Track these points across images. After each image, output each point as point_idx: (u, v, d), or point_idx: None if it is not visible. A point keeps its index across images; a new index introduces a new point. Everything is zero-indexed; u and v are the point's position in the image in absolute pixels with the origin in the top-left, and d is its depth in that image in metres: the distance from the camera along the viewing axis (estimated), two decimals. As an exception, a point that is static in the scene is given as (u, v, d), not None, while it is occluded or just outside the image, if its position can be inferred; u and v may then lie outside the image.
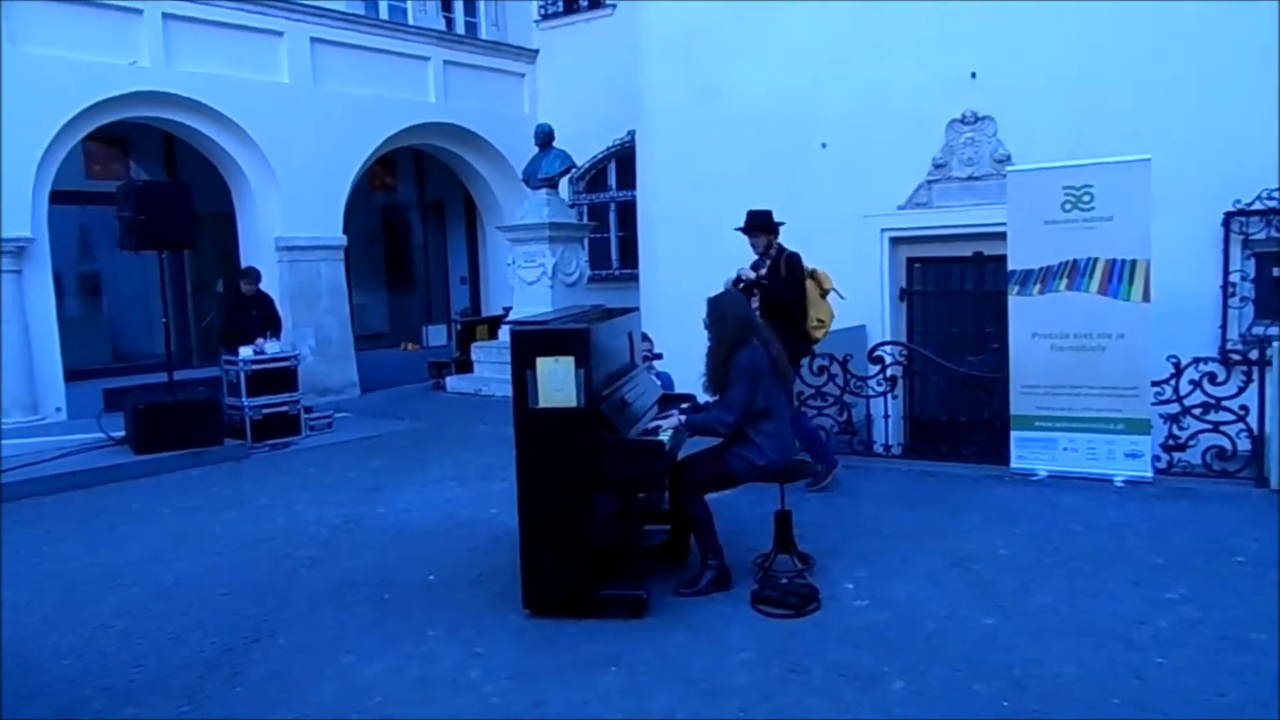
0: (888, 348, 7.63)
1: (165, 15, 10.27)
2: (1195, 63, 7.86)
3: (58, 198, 9.98)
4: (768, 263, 6.38)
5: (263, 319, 9.35)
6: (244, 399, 8.72)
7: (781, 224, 6.50)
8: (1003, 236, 6.90)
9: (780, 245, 6.44)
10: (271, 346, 9.14)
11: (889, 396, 7.49)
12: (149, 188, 8.63)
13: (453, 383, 12.21)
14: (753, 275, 6.31)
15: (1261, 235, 7.78)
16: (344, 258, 12.19)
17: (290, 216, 11.41)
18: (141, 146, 12.07)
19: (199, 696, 3.76)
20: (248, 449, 8.58)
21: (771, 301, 6.27)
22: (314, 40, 11.61)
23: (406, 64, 12.74)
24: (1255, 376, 6.11)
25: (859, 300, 9.24)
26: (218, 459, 8.23)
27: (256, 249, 11.49)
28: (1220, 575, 4.63)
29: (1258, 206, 7.71)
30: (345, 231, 12.09)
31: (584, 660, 3.93)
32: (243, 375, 8.74)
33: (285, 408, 8.99)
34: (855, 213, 9.25)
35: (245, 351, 8.89)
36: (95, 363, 11.49)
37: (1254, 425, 6.15)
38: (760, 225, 6.40)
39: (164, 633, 4.42)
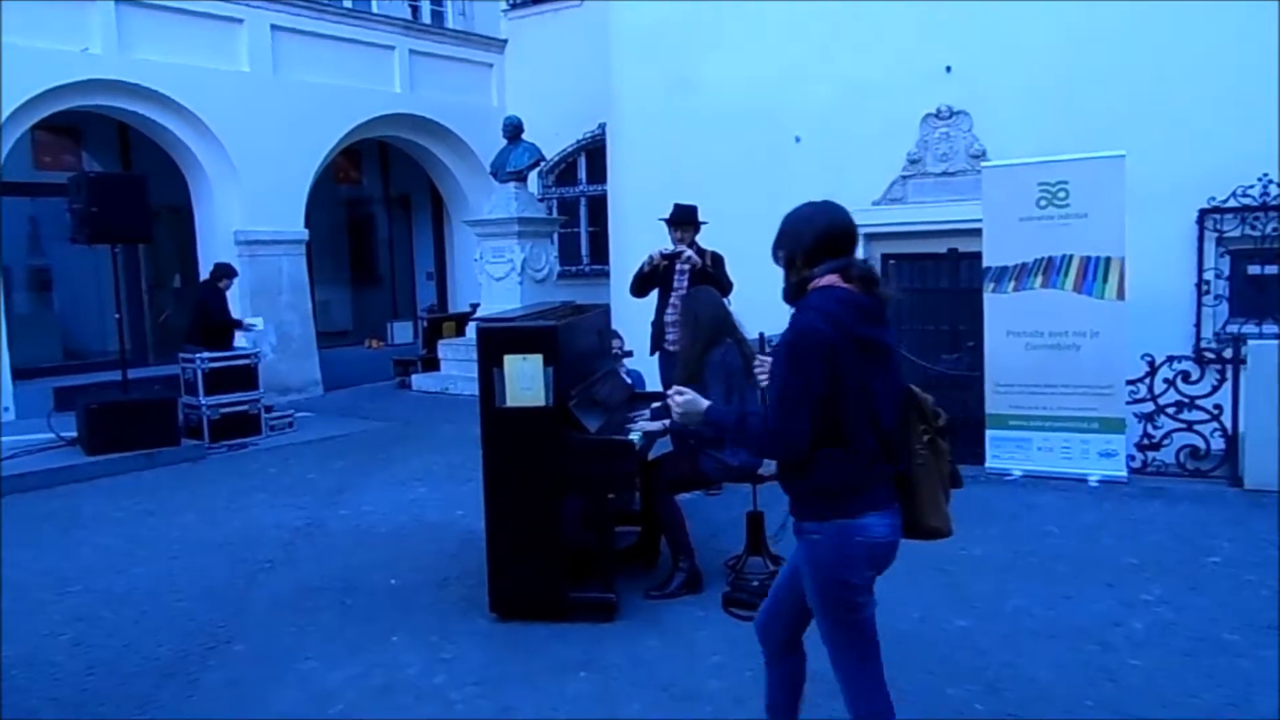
0: (862, 345, 7.56)
1: (119, 0, 9.99)
2: (1171, 60, 7.89)
3: (5, 189, 9.74)
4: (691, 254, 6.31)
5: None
6: (201, 398, 8.54)
7: (705, 223, 6.45)
8: (978, 233, 6.89)
9: (699, 244, 6.40)
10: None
11: (863, 395, 7.43)
12: (102, 179, 8.40)
13: (419, 381, 12.07)
14: (694, 256, 6.20)
15: (1236, 233, 7.83)
16: (306, 252, 11.97)
17: (250, 210, 11.18)
18: (94, 136, 11.76)
19: (153, 706, 3.69)
20: (205, 450, 8.40)
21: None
22: (274, 28, 11.36)
23: (371, 53, 12.53)
24: (1229, 375, 6.15)
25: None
26: (174, 460, 8.05)
27: (214, 243, 11.26)
28: (1194, 576, 4.65)
29: (1232, 204, 7.76)
30: (307, 225, 11.87)
31: (553, 665, 3.88)
32: (200, 373, 8.56)
33: (245, 407, 8.82)
34: (829, 209, 9.19)
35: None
36: (45, 361, 11.21)
37: (1228, 424, 6.19)
38: (688, 219, 6.37)
39: (117, 640, 4.33)
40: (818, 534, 2.54)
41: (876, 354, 2.53)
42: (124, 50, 10.07)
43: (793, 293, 2.60)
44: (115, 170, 11.46)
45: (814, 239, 2.57)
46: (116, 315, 8.69)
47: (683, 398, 2.67)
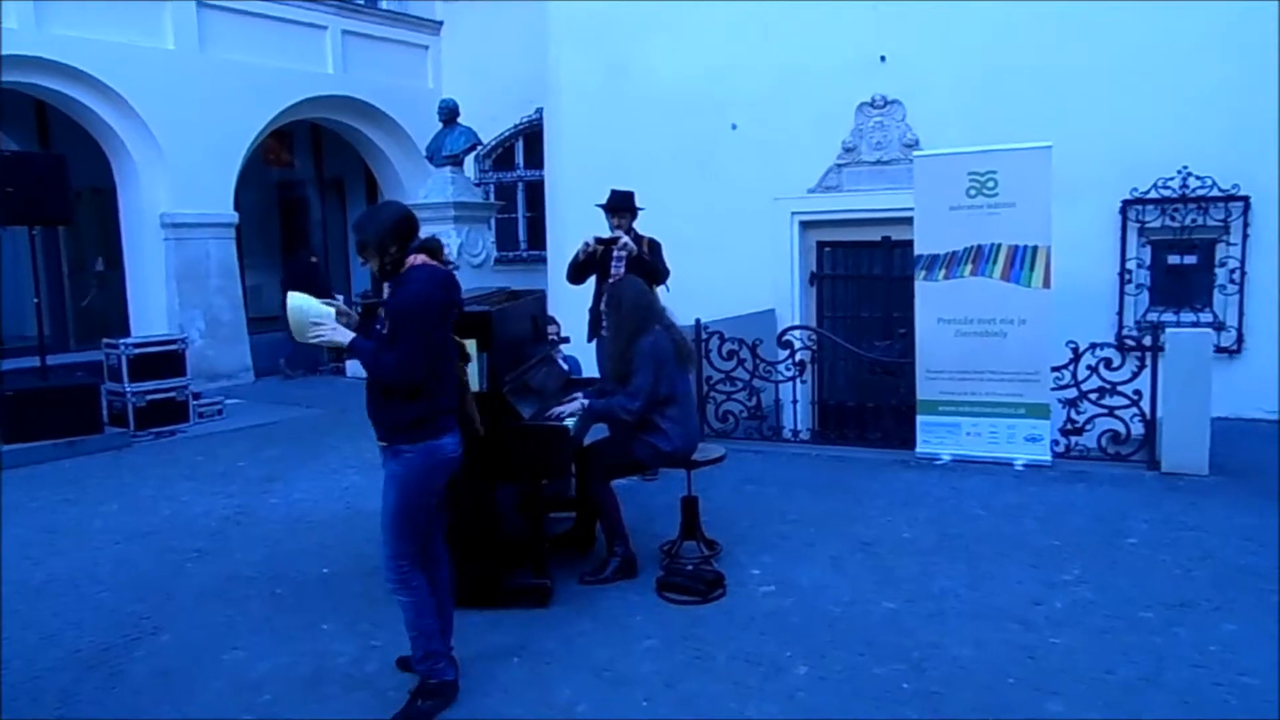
0: (797, 332, 7.67)
1: (36, -27, 9.61)
2: (1097, 54, 8.11)
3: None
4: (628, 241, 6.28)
5: None
6: (126, 384, 8.31)
7: (642, 209, 6.46)
8: (911, 221, 6.98)
9: (636, 230, 6.38)
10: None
11: (798, 381, 7.54)
12: (18, 158, 8.13)
13: (352, 367, 11.83)
14: (630, 242, 6.18)
15: (1157, 224, 8.08)
16: (235, 236, 11.70)
17: (177, 192, 10.87)
18: (9, 114, 11.27)
19: (74, 699, 3.60)
20: (130, 438, 8.19)
21: (646, 277, 6.17)
22: (200, 4, 11.01)
23: (302, 32, 12.23)
24: (1149, 362, 6.31)
25: (768, 284, 9.30)
26: (97, 448, 7.84)
27: (140, 226, 10.94)
28: (1113, 557, 4.78)
29: (1154, 195, 8.01)
30: (237, 208, 11.58)
31: (487, 652, 3.86)
32: (124, 359, 8.33)
33: (171, 394, 8.60)
34: (765, 196, 9.28)
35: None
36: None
37: (1147, 410, 6.36)
38: (625, 206, 6.36)
39: (34, 633, 4.21)
40: (411, 452, 3.38)
41: (449, 315, 3.44)
42: (41, 25, 9.67)
43: (392, 269, 3.35)
44: (32, 149, 11.03)
45: (393, 227, 3.32)
46: (35, 299, 8.41)
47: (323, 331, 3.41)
